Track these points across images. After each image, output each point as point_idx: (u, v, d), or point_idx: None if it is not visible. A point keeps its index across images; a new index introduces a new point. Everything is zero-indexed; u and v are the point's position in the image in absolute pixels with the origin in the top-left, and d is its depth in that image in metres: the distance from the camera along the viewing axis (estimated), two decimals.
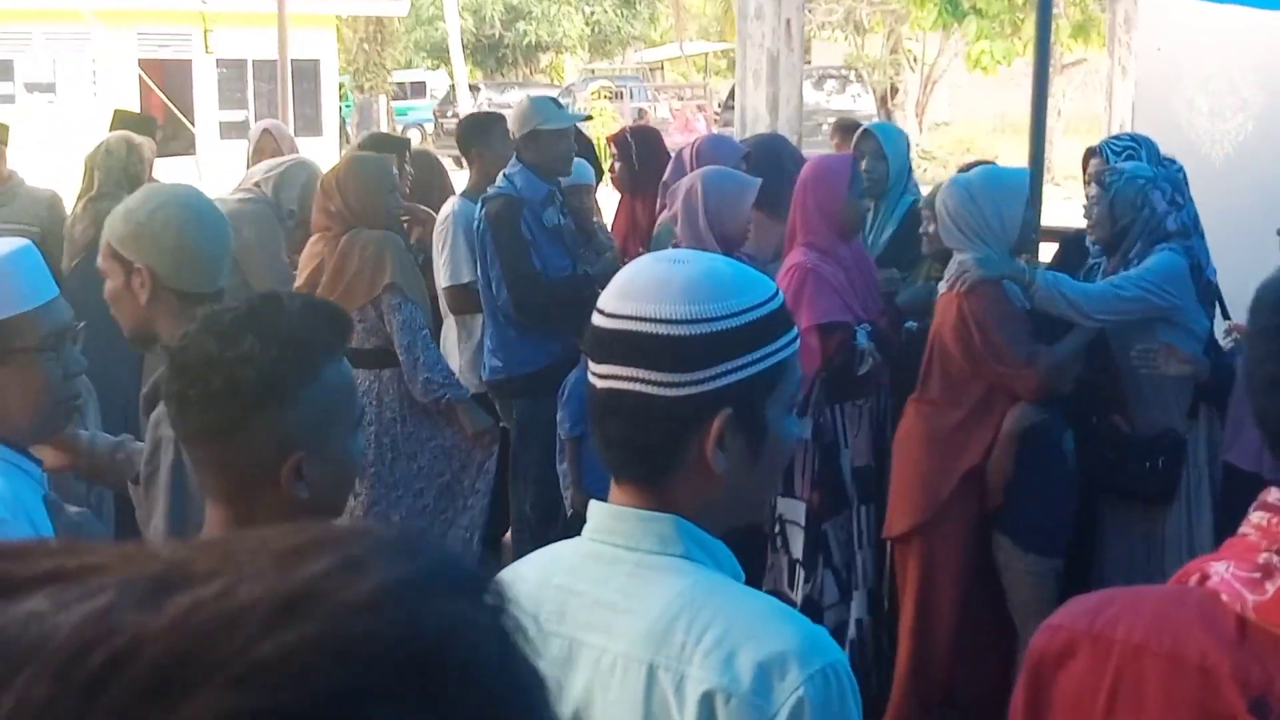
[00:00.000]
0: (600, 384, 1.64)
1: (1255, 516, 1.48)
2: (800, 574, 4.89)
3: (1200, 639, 1.43)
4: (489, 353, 5.67)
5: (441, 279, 5.91)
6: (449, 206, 6.02)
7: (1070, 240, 5.65)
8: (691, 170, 5.69)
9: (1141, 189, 4.70)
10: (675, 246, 5.03)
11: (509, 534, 6.04)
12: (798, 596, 4.86)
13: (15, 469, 2.35)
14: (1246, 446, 4.30)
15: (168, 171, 7.60)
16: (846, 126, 8.81)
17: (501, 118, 6.23)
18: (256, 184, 5.84)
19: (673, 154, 6.70)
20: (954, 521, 4.60)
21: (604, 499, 1.70)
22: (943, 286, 4.70)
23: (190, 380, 1.85)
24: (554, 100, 5.99)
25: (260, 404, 1.83)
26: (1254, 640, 1.41)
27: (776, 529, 4.93)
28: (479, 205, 5.70)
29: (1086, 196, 5.06)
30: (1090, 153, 5.52)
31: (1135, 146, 5.26)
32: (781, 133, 8.60)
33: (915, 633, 4.69)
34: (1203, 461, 4.62)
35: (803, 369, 4.72)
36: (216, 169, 19.29)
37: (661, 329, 1.59)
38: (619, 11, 44.48)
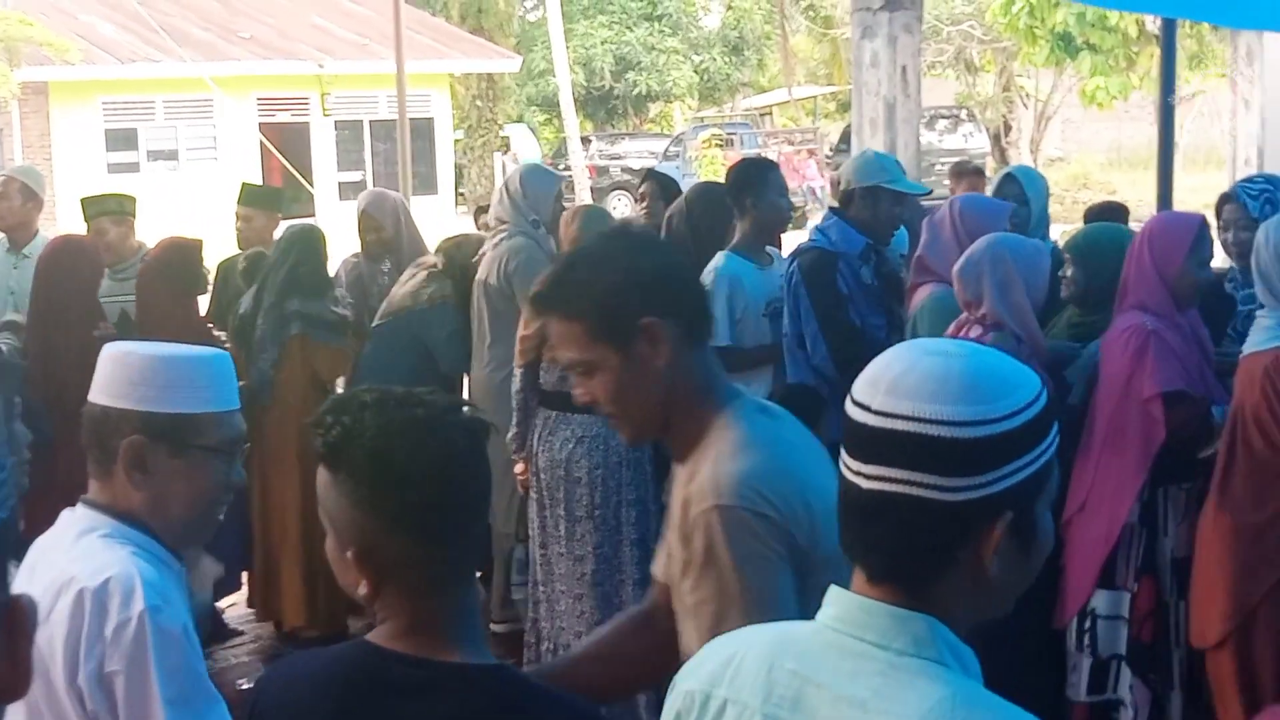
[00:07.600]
0: (867, 485, 1.54)
1: None
2: (1124, 672, 4.46)
3: None
4: None
5: None
6: (714, 262, 5.62)
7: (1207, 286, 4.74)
8: (952, 233, 5.17)
9: None
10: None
11: None
12: (1124, 694, 4.46)
13: (163, 564, 2.38)
14: None
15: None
16: (963, 170, 8.73)
17: (775, 165, 5.97)
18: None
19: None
20: (1273, 627, 4.15)
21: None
22: (1246, 346, 4.22)
23: None
24: (898, 162, 5.77)
25: None
26: None
27: (1086, 624, 4.49)
28: (790, 259, 5.47)
29: (1223, 243, 4.87)
30: (1224, 199, 5.19)
31: (1271, 188, 5.03)
32: None
33: None
34: None
35: (1150, 440, 4.35)
36: (336, 229, 19.56)
37: (945, 431, 1.49)
38: (727, 59, 44.64)
